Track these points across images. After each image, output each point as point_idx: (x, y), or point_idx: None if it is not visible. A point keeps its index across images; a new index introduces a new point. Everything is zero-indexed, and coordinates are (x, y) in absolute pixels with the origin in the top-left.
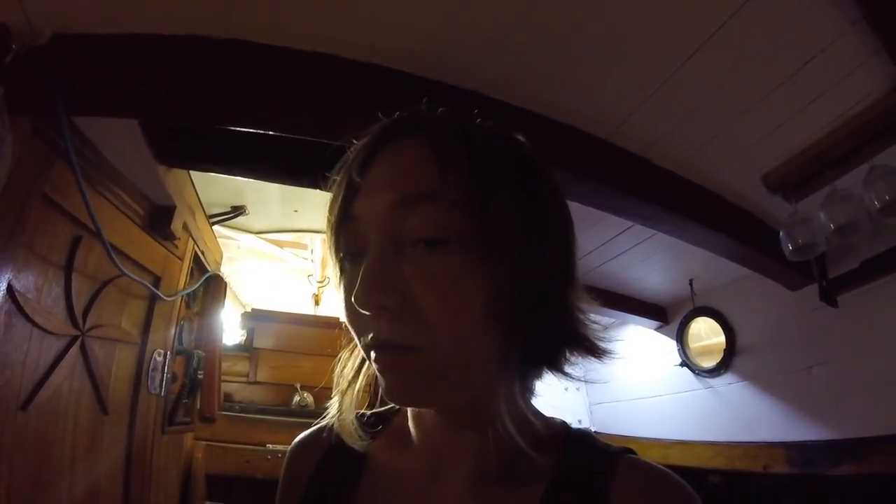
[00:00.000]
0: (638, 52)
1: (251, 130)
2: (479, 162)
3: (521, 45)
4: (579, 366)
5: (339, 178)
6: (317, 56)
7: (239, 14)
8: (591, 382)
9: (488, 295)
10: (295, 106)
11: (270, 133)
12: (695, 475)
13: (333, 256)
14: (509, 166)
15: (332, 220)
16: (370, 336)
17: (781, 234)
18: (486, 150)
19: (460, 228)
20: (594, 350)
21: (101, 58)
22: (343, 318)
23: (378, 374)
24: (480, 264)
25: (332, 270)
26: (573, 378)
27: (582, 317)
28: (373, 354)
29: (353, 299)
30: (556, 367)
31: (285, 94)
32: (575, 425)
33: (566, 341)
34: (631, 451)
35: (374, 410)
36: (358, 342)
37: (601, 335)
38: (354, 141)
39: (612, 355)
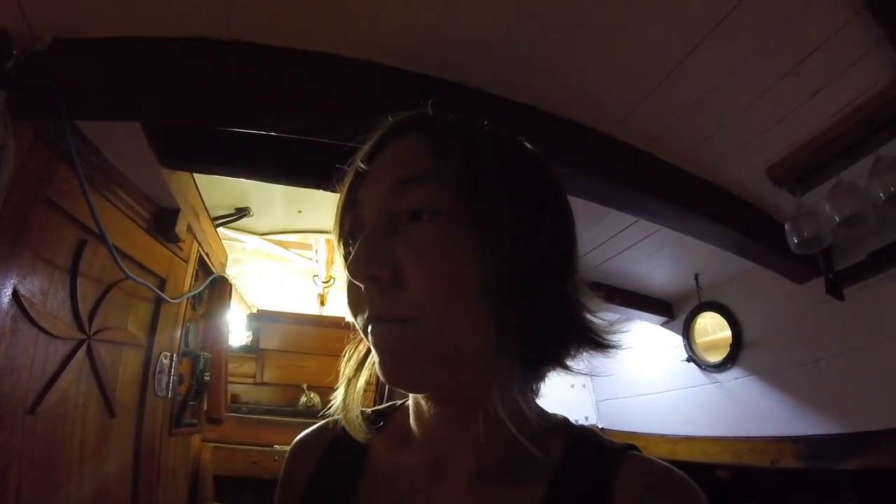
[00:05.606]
0: (640, 45)
1: (254, 132)
2: (472, 151)
3: (523, 40)
4: (584, 361)
5: (348, 171)
6: (318, 55)
7: (238, 14)
8: (597, 376)
9: (477, 270)
10: (296, 106)
11: (273, 134)
12: (702, 470)
13: (339, 245)
14: (502, 156)
15: (339, 207)
16: (366, 314)
17: (787, 226)
18: (481, 142)
19: (450, 203)
20: (596, 343)
21: (103, 61)
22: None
23: (374, 353)
24: (469, 238)
25: (339, 260)
26: (576, 372)
27: (583, 310)
28: (369, 332)
29: (346, 271)
30: (557, 361)
31: (286, 94)
32: (581, 422)
33: (566, 334)
34: (634, 447)
35: (374, 407)
36: (357, 325)
37: (604, 329)
38: (359, 146)
39: (616, 349)
